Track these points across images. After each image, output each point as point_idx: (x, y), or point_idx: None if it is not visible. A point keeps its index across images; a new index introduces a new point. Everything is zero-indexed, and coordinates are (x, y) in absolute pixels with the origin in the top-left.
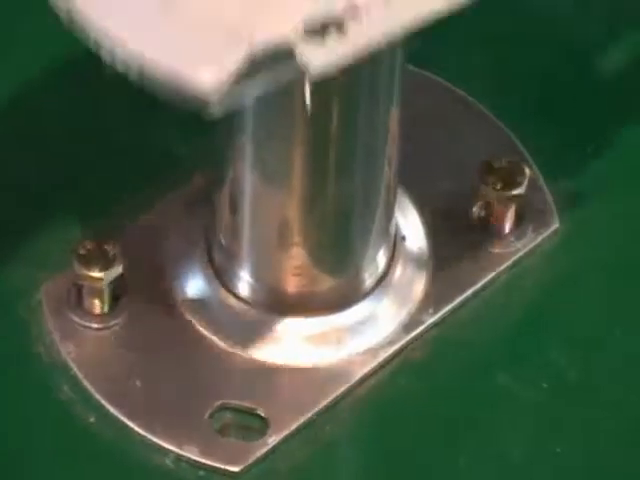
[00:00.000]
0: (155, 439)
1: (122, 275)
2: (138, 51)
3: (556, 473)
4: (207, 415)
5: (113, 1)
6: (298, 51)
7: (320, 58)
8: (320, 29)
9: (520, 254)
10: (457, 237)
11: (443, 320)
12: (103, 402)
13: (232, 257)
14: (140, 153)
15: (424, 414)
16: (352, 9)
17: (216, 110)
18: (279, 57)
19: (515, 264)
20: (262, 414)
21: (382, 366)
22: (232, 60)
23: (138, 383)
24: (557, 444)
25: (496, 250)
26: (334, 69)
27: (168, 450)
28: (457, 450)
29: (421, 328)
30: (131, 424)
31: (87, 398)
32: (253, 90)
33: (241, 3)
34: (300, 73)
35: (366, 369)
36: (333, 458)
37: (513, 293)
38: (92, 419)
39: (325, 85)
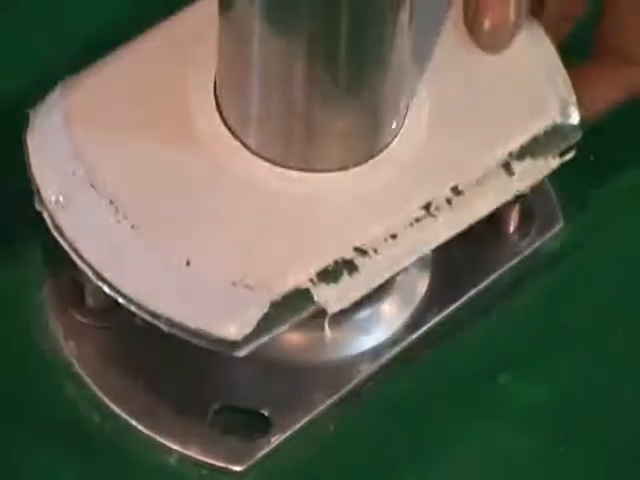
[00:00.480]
0: (158, 438)
1: None
2: (165, 308)
3: (558, 473)
4: (210, 414)
5: (133, 261)
6: (315, 295)
7: (336, 296)
8: (333, 271)
9: (524, 254)
10: (461, 237)
11: (446, 320)
12: (106, 401)
13: None
14: None
15: (427, 414)
16: (359, 249)
17: (243, 354)
18: (297, 303)
19: (519, 264)
20: (265, 413)
21: (385, 366)
22: (253, 315)
23: (141, 382)
24: (559, 444)
25: (500, 250)
26: (349, 304)
27: (171, 449)
28: (459, 450)
29: (424, 328)
30: (134, 423)
31: (90, 396)
32: (274, 334)
33: (259, 258)
34: (316, 309)
35: (370, 369)
36: (336, 458)
37: (516, 293)
38: (95, 418)
39: None
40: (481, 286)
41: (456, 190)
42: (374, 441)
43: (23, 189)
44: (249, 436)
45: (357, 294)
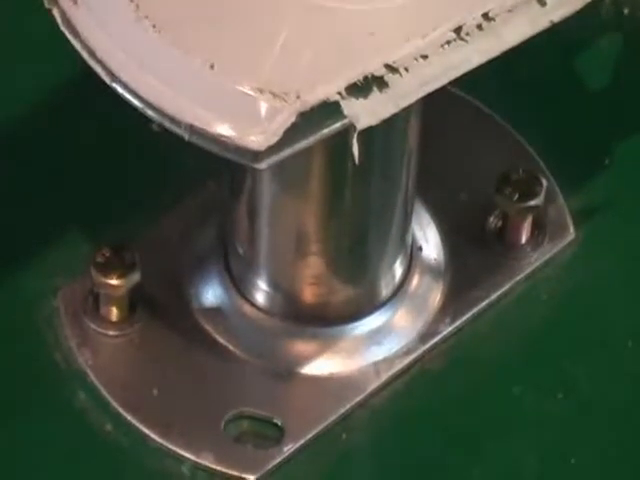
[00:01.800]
0: (171, 447)
1: (139, 283)
2: (188, 112)
3: None
4: (223, 423)
5: (152, 63)
6: (344, 108)
7: (365, 111)
8: (363, 85)
9: (536, 265)
10: (473, 248)
11: (460, 331)
12: (120, 410)
13: (249, 265)
14: (153, 160)
15: (440, 425)
16: (390, 67)
17: (263, 167)
18: (326, 116)
19: (531, 275)
20: (278, 422)
21: (398, 376)
22: (279, 125)
23: (155, 391)
24: (572, 455)
25: (512, 261)
26: (378, 120)
27: (184, 458)
28: (472, 461)
29: (437, 338)
30: (148, 432)
31: (104, 406)
32: (299, 147)
33: (287, 66)
34: (347, 127)
35: (382, 379)
36: (349, 467)
37: (529, 304)
38: (109, 427)
39: None
40: (494, 297)
41: (487, 16)
42: (386, 451)
43: (40, 195)
44: (262, 445)
45: (386, 111)
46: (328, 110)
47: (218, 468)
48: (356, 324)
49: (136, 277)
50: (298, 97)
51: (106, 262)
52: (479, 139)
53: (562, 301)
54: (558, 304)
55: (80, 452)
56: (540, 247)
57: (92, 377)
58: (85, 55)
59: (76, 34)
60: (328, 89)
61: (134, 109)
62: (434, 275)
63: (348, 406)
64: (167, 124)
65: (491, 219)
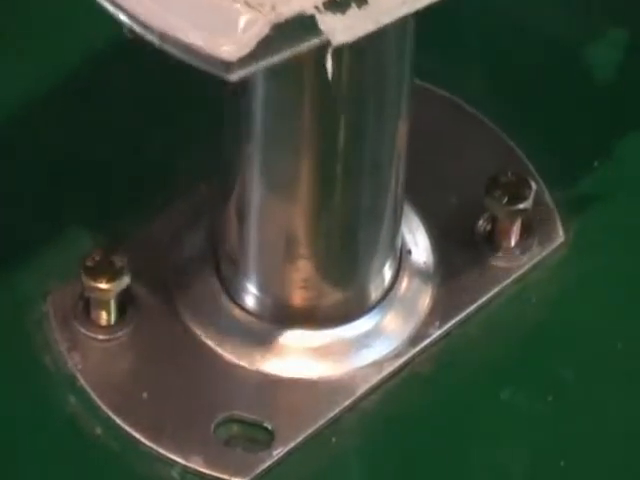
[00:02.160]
0: (161, 450)
1: (129, 286)
2: (160, 19)
3: None
4: (213, 427)
5: None
6: (320, 23)
7: (342, 26)
8: (340, 1)
9: (525, 268)
10: (463, 251)
11: (449, 334)
12: (110, 413)
13: (239, 269)
14: (144, 162)
15: (430, 428)
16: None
17: (234, 78)
18: (301, 30)
19: (520, 278)
20: (268, 426)
21: (388, 379)
22: (252, 35)
23: (145, 395)
24: (561, 457)
25: (501, 264)
26: (355, 37)
27: (174, 462)
28: (461, 464)
29: (427, 341)
30: (137, 435)
31: (94, 409)
32: (271, 61)
33: None
34: (322, 43)
35: (372, 382)
36: (340, 471)
37: (518, 307)
38: (98, 430)
39: (333, 98)
40: (483, 300)
41: None
42: (376, 455)
43: (30, 198)
44: (252, 449)
45: (364, 28)
46: (303, 24)
47: (208, 472)
48: (345, 327)
49: (125, 281)
50: (273, 9)
51: (95, 266)
52: (468, 142)
53: (551, 304)
54: (548, 307)
55: (70, 456)
56: (529, 250)
57: (82, 381)
58: None
59: None
60: (305, 2)
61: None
62: (423, 278)
63: (338, 410)
64: (138, 29)
65: (480, 222)
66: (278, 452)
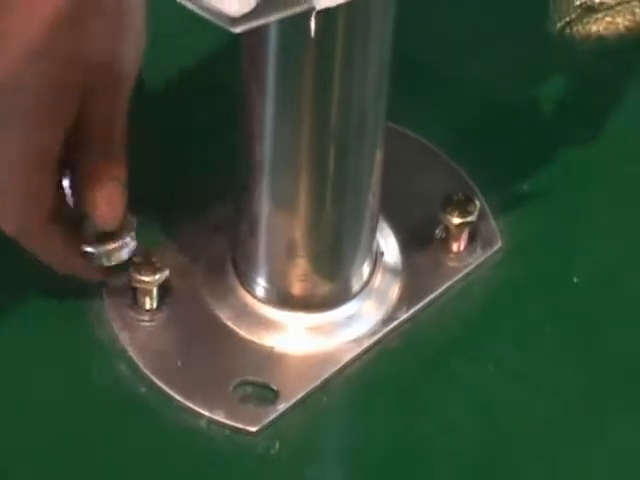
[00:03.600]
0: (192, 406)
1: (167, 279)
2: None
3: (510, 452)
4: (231, 388)
5: None
6: None
7: None
8: None
9: (471, 267)
10: (424, 253)
11: (413, 317)
12: (152, 377)
13: (251, 266)
14: (174, 184)
15: (397, 388)
16: None
17: (238, 31)
18: None
19: (468, 275)
20: (274, 387)
21: (365, 352)
22: None
23: (179, 363)
24: (501, 415)
25: (453, 263)
26: (335, 3)
27: (202, 414)
28: (422, 416)
29: (396, 323)
30: (173, 394)
31: (139, 374)
32: (268, 19)
33: None
34: (308, 6)
35: (353, 354)
36: (329, 422)
37: (466, 297)
38: (143, 390)
39: (325, 135)
40: (440, 291)
41: None
42: (356, 409)
43: None
44: (261, 405)
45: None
46: None
47: (227, 422)
48: (333, 312)
49: (164, 275)
50: None
51: (140, 264)
52: (429, 170)
53: (491, 294)
54: (488, 296)
55: (120, 409)
56: (474, 253)
57: (130, 352)
58: None
59: None
60: None
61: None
62: (393, 274)
63: (328, 375)
64: None
65: (437, 231)
66: (281, 407)
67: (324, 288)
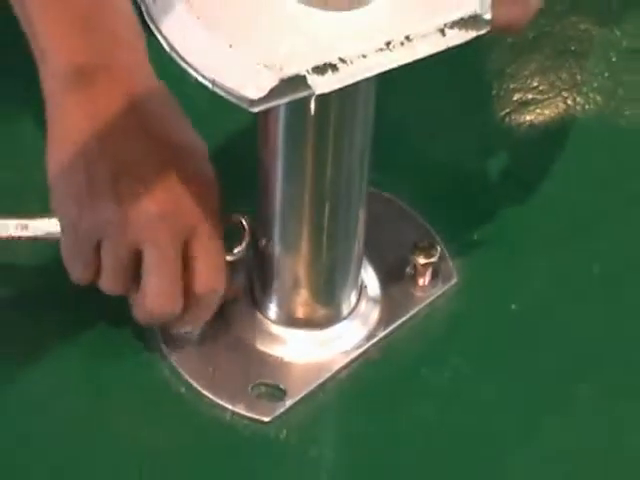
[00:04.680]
0: (219, 401)
1: None
2: (212, 72)
3: (460, 430)
4: (250, 388)
5: (196, 41)
6: (309, 80)
7: (321, 83)
8: (322, 68)
9: (434, 297)
10: (397, 286)
11: (389, 335)
12: (189, 380)
13: (264, 295)
14: None
15: (378, 387)
16: (341, 59)
17: (255, 111)
18: (297, 84)
19: (431, 303)
20: (282, 387)
21: (353, 361)
22: (267, 84)
23: (210, 369)
24: (460, 412)
25: (420, 294)
26: (330, 90)
27: (227, 408)
28: (394, 412)
29: (376, 339)
30: (205, 392)
31: (180, 378)
32: (279, 101)
33: (276, 50)
34: (309, 93)
35: (343, 363)
36: (325, 414)
37: (430, 320)
38: (183, 389)
39: (322, 196)
40: (409, 315)
41: (408, 38)
42: (346, 406)
43: None
44: (273, 400)
45: (335, 85)
46: (299, 80)
47: (246, 414)
48: (328, 330)
49: None
50: (281, 69)
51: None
52: (401, 223)
53: (449, 318)
54: (447, 320)
55: (166, 405)
56: (436, 287)
57: (173, 361)
58: (157, 33)
59: (153, 22)
60: (300, 67)
61: None
62: (374, 302)
63: (324, 379)
64: (199, 78)
65: (407, 269)
66: (289, 403)
67: (321, 312)
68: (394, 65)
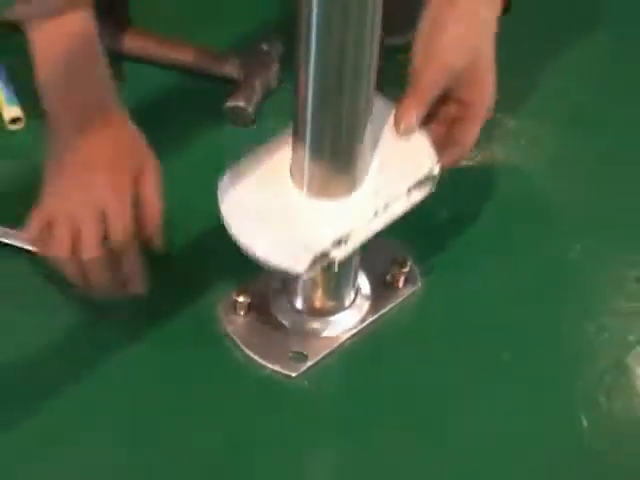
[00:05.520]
0: (264, 362)
1: (250, 301)
2: (262, 251)
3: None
4: (284, 353)
5: (252, 219)
6: (331, 254)
7: (338, 253)
8: (338, 243)
9: (405, 295)
10: (381, 288)
11: (375, 320)
12: (242, 347)
13: (293, 295)
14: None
15: (366, 356)
16: (348, 235)
17: (303, 277)
18: (324, 256)
19: (403, 299)
20: (305, 353)
21: (351, 337)
22: (306, 261)
23: (256, 340)
24: (419, 365)
25: (396, 293)
26: (344, 256)
27: (267, 367)
28: (379, 368)
29: (366, 323)
30: (254, 356)
31: (237, 346)
32: (316, 269)
33: (311, 242)
34: (332, 259)
35: (344, 338)
36: (333, 371)
37: (402, 310)
38: (238, 354)
39: None
40: (389, 307)
41: (387, 206)
42: (346, 367)
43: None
44: (298, 362)
45: (348, 252)
46: (325, 253)
47: (281, 370)
48: (335, 316)
49: (248, 299)
50: (312, 250)
51: (235, 298)
52: (385, 246)
53: (414, 309)
54: (412, 310)
55: (228, 364)
56: (407, 289)
57: (232, 334)
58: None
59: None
60: (324, 245)
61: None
62: (366, 298)
63: (332, 348)
64: (251, 255)
65: (388, 277)
66: (309, 364)
67: (330, 304)
68: (380, 227)
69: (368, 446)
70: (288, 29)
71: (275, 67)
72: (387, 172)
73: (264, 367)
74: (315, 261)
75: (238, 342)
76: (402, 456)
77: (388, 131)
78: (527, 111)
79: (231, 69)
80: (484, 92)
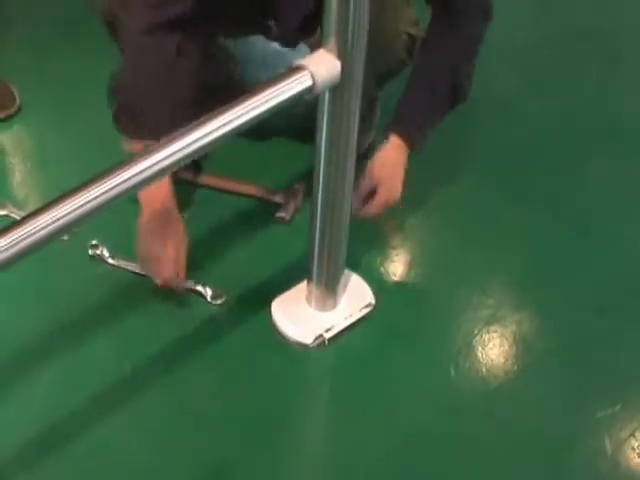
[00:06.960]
0: (293, 337)
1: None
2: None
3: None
4: (309, 335)
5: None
6: (325, 336)
7: (327, 337)
8: (326, 332)
9: (366, 311)
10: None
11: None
12: (277, 323)
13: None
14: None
15: (349, 352)
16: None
17: (311, 346)
18: (320, 337)
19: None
20: (318, 332)
21: (340, 332)
22: (315, 338)
23: (287, 324)
24: (378, 346)
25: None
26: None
27: (292, 338)
28: (357, 375)
29: (351, 320)
30: (285, 332)
31: (274, 322)
32: (324, 340)
33: (309, 327)
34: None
35: (337, 330)
36: (336, 343)
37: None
38: (274, 328)
39: None
40: (360, 316)
41: (351, 316)
42: (344, 343)
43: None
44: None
45: (332, 334)
46: (320, 336)
47: (302, 341)
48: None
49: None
50: (320, 336)
51: None
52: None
53: (369, 321)
54: (369, 322)
55: (268, 338)
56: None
57: (275, 320)
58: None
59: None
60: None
61: None
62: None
63: (333, 333)
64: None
65: None
66: (319, 339)
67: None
68: (353, 320)
69: None
70: (310, 176)
71: (301, 197)
72: None
73: (289, 339)
74: (322, 335)
75: (277, 323)
76: None
77: None
78: None
79: (278, 198)
80: (394, 191)
